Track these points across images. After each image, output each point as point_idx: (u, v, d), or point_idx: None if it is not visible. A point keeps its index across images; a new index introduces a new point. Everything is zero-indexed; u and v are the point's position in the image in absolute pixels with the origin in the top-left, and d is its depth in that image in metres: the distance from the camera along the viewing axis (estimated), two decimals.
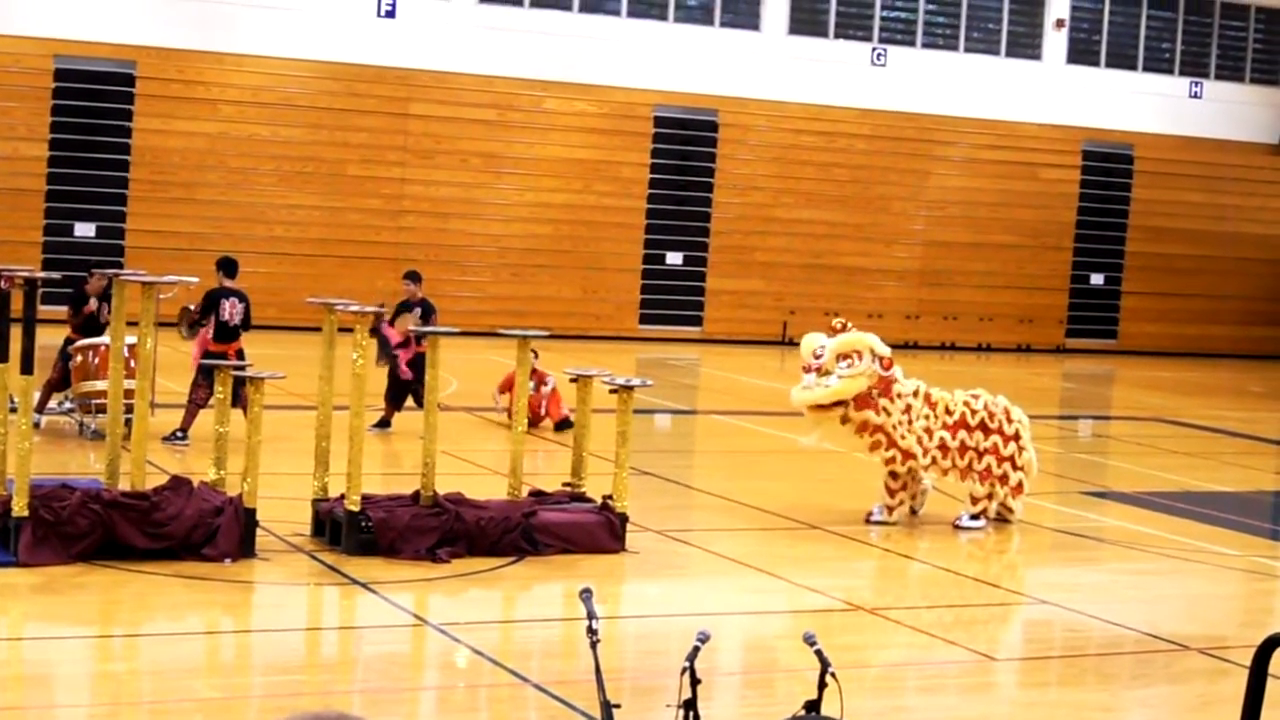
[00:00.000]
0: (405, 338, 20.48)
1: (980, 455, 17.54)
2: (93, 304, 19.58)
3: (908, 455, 17.29)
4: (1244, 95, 42.53)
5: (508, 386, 20.87)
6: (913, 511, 17.84)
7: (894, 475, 17.43)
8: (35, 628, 12.47)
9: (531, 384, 21.39)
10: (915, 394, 17.48)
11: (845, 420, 17.31)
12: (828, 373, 17.03)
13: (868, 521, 17.39)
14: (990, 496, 17.63)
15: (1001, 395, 18.05)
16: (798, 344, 17.74)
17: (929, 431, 17.42)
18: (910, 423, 17.32)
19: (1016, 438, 17.70)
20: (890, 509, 17.48)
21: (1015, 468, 17.66)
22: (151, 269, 19.10)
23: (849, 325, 17.55)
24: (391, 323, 20.66)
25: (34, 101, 32.20)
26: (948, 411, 17.55)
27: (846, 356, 17.07)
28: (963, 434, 17.53)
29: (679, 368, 32.55)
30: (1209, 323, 41.84)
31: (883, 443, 17.21)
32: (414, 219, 34.66)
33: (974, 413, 17.63)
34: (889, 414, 17.17)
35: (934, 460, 17.45)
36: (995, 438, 17.61)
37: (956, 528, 17.55)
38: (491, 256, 35.30)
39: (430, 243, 34.40)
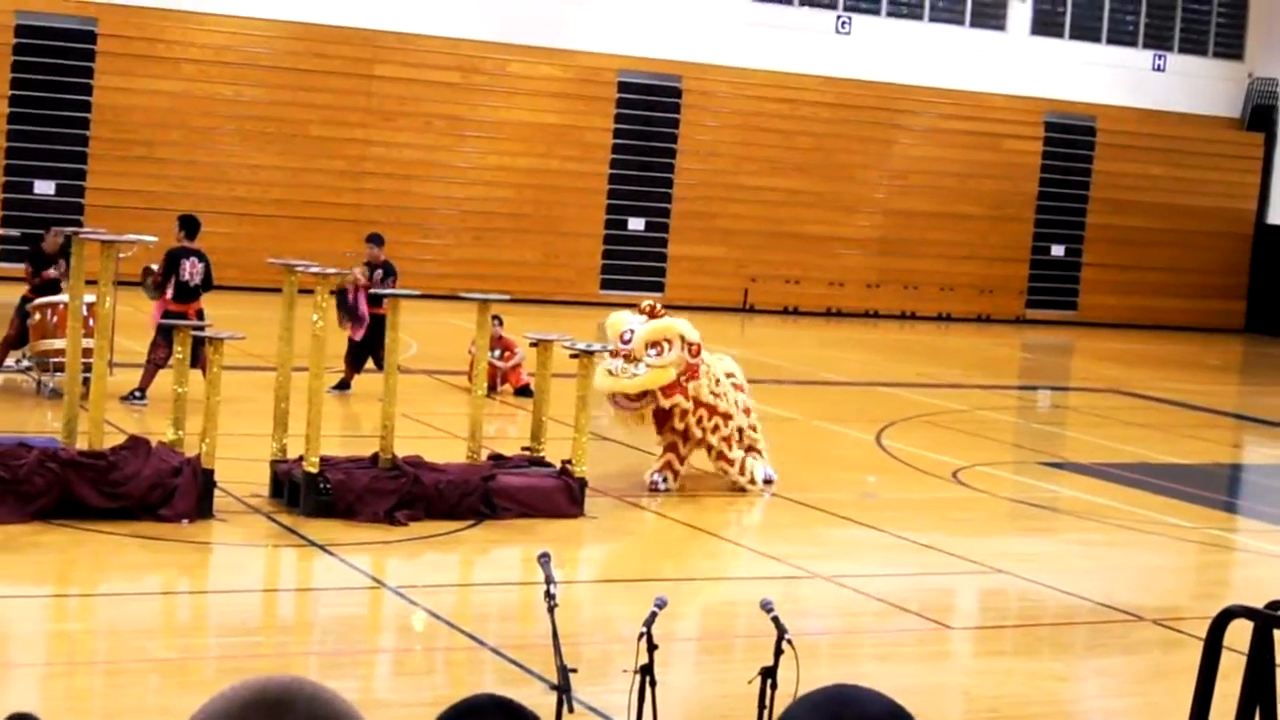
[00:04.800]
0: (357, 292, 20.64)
1: (747, 412, 17.39)
2: (51, 272, 19.51)
3: (727, 417, 16.83)
4: (1206, 69, 42.62)
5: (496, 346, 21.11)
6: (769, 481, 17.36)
7: (725, 458, 16.91)
8: None
9: (496, 352, 21.40)
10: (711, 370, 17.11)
11: (656, 412, 16.48)
12: (636, 359, 16.24)
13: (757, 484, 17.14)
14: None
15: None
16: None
17: (739, 389, 17.25)
18: (719, 390, 16.88)
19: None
20: (745, 481, 17.04)
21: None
22: (111, 228, 19.00)
23: (658, 307, 16.85)
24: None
25: None
26: (729, 375, 17.31)
27: (656, 344, 16.28)
28: (743, 395, 17.40)
29: None
30: (1168, 296, 41.98)
31: (703, 420, 16.63)
32: (376, 181, 34.53)
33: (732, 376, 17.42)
34: (700, 390, 16.54)
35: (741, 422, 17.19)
36: (748, 399, 17.48)
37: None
38: (453, 220, 35.21)
39: (392, 205, 34.29)
